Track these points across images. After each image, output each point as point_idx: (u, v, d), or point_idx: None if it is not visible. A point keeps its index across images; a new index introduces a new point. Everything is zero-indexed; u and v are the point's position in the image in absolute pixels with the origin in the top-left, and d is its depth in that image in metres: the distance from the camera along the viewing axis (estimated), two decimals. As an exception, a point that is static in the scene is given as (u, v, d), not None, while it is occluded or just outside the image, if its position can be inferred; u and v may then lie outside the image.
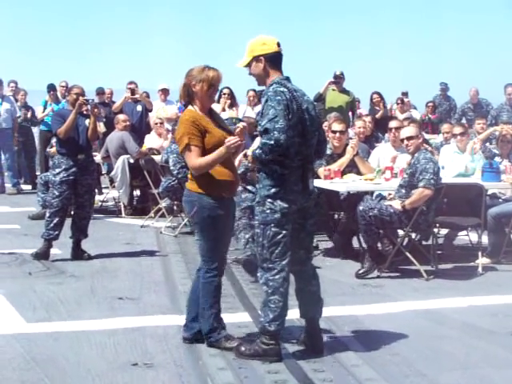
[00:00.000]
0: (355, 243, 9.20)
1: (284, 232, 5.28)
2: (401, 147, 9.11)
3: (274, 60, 5.35)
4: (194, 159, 5.41)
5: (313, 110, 5.41)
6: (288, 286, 5.35)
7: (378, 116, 15.68)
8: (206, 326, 5.58)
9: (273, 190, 5.24)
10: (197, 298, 5.65)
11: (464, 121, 15.90)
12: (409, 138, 8.18)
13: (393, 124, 10.20)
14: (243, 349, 5.43)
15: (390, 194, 8.68)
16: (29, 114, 15.82)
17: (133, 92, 14.04)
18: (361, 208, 8.05)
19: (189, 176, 5.62)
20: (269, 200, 5.25)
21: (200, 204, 5.47)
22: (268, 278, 5.29)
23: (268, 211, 5.25)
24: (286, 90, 5.24)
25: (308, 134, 5.32)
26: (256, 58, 5.35)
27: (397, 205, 8.00)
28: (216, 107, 14.19)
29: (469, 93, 16.84)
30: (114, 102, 15.18)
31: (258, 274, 5.38)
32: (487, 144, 11.24)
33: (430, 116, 17.51)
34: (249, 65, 5.42)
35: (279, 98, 5.19)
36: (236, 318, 6.34)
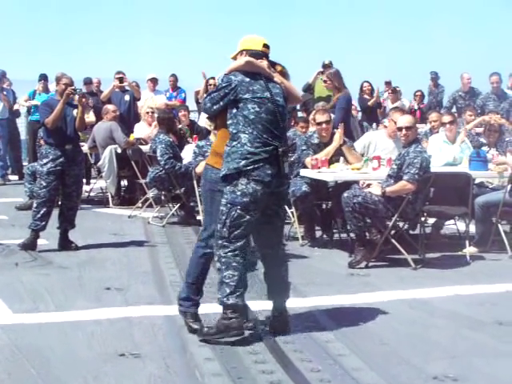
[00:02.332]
0: (339, 235, 9.27)
1: (248, 217, 5.42)
2: (397, 138, 8.92)
3: (255, 57, 5.71)
4: None
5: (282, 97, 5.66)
6: (242, 261, 5.44)
7: (370, 103, 15.69)
8: (183, 292, 5.71)
9: (242, 163, 5.37)
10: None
11: (454, 109, 15.85)
12: (407, 128, 8.06)
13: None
14: (206, 329, 5.52)
15: (363, 184, 8.66)
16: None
17: (121, 80, 13.93)
18: (345, 195, 8.05)
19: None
20: (242, 181, 5.37)
21: (204, 176, 5.73)
22: (221, 254, 5.44)
23: (238, 193, 5.40)
24: (242, 76, 5.56)
25: (279, 115, 5.56)
26: (241, 52, 5.79)
27: (376, 191, 8.01)
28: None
29: (461, 81, 16.77)
30: (101, 92, 15.09)
31: (214, 251, 5.52)
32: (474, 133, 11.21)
33: (419, 105, 17.50)
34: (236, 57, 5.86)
35: (232, 77, 5.58)
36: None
